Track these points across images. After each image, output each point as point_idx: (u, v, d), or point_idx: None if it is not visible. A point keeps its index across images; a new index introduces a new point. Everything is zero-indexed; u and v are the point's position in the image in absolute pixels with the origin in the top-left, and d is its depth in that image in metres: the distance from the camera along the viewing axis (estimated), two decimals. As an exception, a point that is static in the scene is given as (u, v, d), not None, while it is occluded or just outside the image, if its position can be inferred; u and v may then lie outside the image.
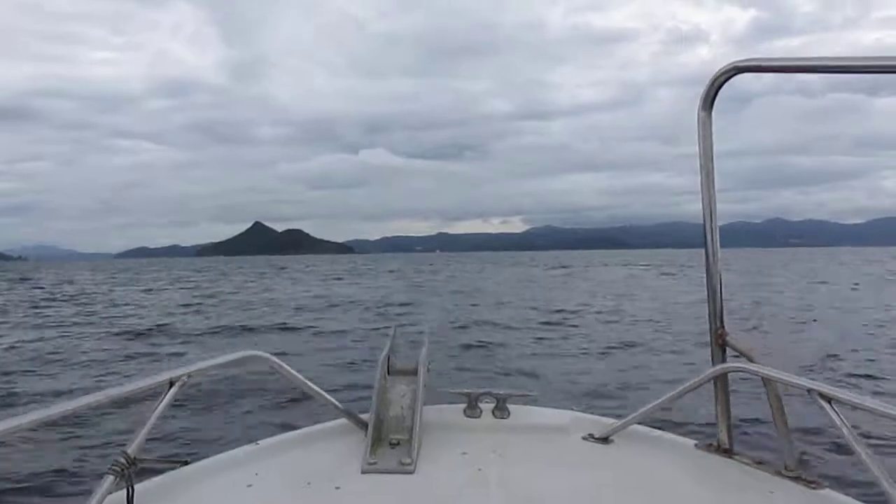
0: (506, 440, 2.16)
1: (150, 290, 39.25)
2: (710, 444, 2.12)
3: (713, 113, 2.09)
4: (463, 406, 2.34)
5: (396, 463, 1.90)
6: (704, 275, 2.17)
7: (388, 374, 2.26)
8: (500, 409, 2.33)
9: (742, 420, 5.18)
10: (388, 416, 2.11)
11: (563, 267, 70.42)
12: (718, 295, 2.15)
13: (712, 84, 2.04)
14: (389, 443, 2.01)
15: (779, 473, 1.87)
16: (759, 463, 1.96)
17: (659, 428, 2.33)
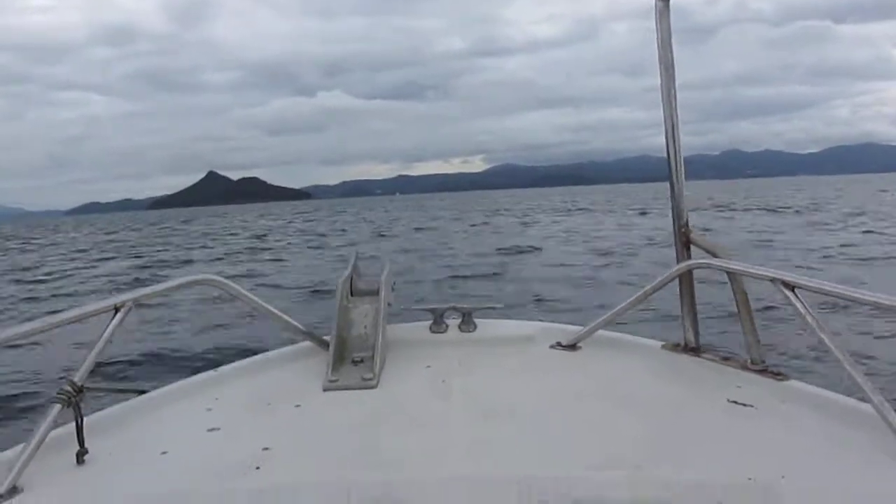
0: (471, 352, 2.15)
1: None
2: (677, 344, 2.11)
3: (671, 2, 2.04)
4: (429, 323, 2.34)
5: (358, 379, 1.88)
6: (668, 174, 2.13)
7: (352, 295, 2.25)
8: (467, 324, 2.32)
9: (710, 317, 4.80)
10: (350, 335, 2.10)
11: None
12: (682, 192, 2.13)
13: None
14: (353, 361, 2.00)
15: (745, 368, 1.87)
16: (726, 359, 1.96)
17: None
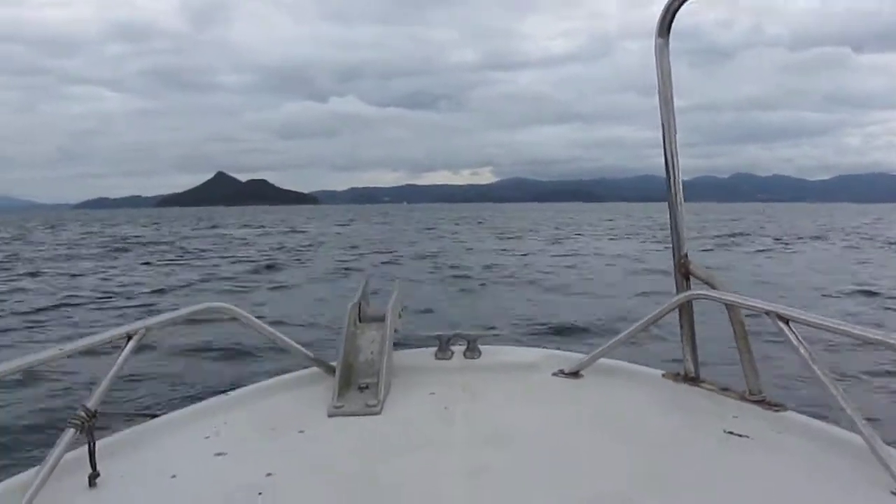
0: (475, 379, 2.16)
1: None
2: (677, 374, 2.14)
3: (670, 39, 2.08)
4: (434, 349, 2.36)
5: (363, 405, 1.89)
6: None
7: (360, 321, 2.26)
8: (472, 350, 2.34)
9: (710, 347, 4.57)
10: (357, 361, 2.12)
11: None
12: (682, 225, 2.18)
13: (668, 9, 2.02)
14: (358, 387, 2.01)
15: (742, 398, 1.89)
16: (724, 389, 1.98)
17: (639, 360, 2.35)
